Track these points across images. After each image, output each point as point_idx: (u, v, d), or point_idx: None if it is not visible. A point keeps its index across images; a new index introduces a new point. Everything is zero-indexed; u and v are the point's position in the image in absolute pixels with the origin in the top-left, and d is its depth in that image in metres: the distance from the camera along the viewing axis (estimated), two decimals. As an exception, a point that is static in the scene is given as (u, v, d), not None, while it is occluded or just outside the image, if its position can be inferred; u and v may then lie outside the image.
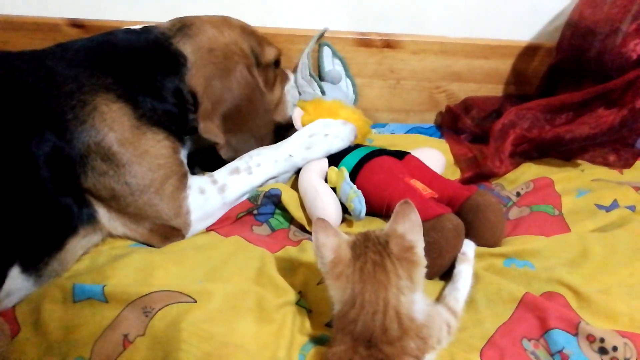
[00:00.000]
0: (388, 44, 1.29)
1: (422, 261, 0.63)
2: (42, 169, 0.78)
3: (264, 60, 1.06)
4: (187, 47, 0.94)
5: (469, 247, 0.82)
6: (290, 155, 1.00)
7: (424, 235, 0.79)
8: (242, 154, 0.97)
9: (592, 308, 0.74)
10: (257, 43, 1.05)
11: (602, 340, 0.68)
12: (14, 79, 0.81)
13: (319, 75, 1.27)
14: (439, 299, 0.77)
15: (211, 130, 0.94)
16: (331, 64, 1.27)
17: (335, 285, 0.63)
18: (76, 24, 1.27)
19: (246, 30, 1.04)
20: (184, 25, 0.97)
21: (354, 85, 1.29)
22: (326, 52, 1.27)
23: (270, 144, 1.02)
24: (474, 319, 0.74)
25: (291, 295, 0.78)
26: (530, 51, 1.32)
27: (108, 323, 0.70)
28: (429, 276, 0.81)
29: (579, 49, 1.13)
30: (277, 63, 1.11)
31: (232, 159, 0.97)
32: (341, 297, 0.63)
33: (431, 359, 0.64)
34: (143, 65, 0.91)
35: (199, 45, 0.95)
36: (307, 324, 0.75)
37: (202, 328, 0.68)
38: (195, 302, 0.72)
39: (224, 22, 1.01)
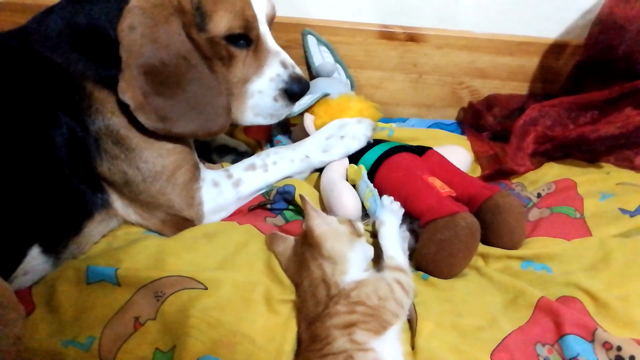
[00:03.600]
0: (411, 37, 1.27)
1: (322, 239, 0.72)
2: (60, 150, 0.79)
3: (208, 27, 0.83)
4: None
5: (384, 214, 0.83)
6: (307, 157, 0.98)
7: (437, 232, 0.79)
8: (174, 125, 0.82)
9: (611, 315, 0.72)
10: (212, 2, 0.82)
11: (619, 348, 0.66)
12: (18, 60, 0.80)
13: (310, 71, 1.25)
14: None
15: (121, 88, 0.78)
16: (320, 56, 1.24)
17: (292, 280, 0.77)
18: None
19: None
20: None
21: (344, 69, 1.27)
22: (311, 41, 1.24)
23: (224, 127, 0.87)
24: (489, 319, 0.73)
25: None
26: (557, 48, 1.29)
27: (120, 305, 0.71)
28: (443, 276, 0.80)
29: (608, 46, 1.10)
30: (234, 39, 0.85)
31: (159, 129, 0.81)
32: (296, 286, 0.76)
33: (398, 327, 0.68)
34: (96, 29, 0.80)
35: None
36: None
37: (211, 315, 0.68)
38: (206, 289, 0.72)
39: None
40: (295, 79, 0.92)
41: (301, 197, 0.74)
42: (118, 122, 0.82)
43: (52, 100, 0.79)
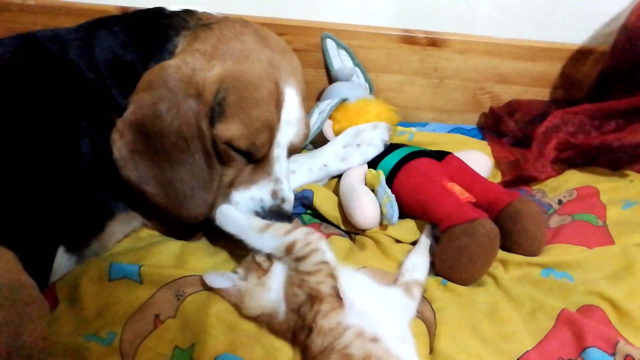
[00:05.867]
0: (433, 42, 1.27)
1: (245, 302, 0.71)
2: (84, 159, 0.80)
3: (217, 125, 0.77)
4: (181, 43, 0.82)
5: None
6: (325, 165, 0.99)
7: (456, 239, 0.78)
8: (149, 188, 0.77)
9: (633, 324, 0.71)
10: (236, 106, 0.77)
11: (641, 361, 0.65)
12: (54, 67, 0.81)
13: (329, 75, 1.26)
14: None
15: (114, 135, 0.75)
16: (339, 60, 1.25)
17: None
18: (128, 12, 1.30)
19: (244, 80, 0.77)
20: (204, 25, 0.83)
21: (363, 73, 1.28)
22: (330, 45, 1.24)
23: (196, 219, 0.80)
24: (509, 332, 0.72)
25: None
26: (581, 55, 1.27)
27: (141, 303, 0.72)
28: (462, 282, 0.80)
29: (634, 54, 1.08)
30: (239, 151, 0.80)
31: (134, 183, 0.76)
32: None
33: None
34: (136, 69, 0.82)
35: (184, 47, 0.81)
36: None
37: (229, 319, 0.69)
38: (226, 289, 0.73)
39: (243, 52, 0.79)
40: (274, 213, 0.82)
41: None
42: None
43: (79, 111, 0.80)
